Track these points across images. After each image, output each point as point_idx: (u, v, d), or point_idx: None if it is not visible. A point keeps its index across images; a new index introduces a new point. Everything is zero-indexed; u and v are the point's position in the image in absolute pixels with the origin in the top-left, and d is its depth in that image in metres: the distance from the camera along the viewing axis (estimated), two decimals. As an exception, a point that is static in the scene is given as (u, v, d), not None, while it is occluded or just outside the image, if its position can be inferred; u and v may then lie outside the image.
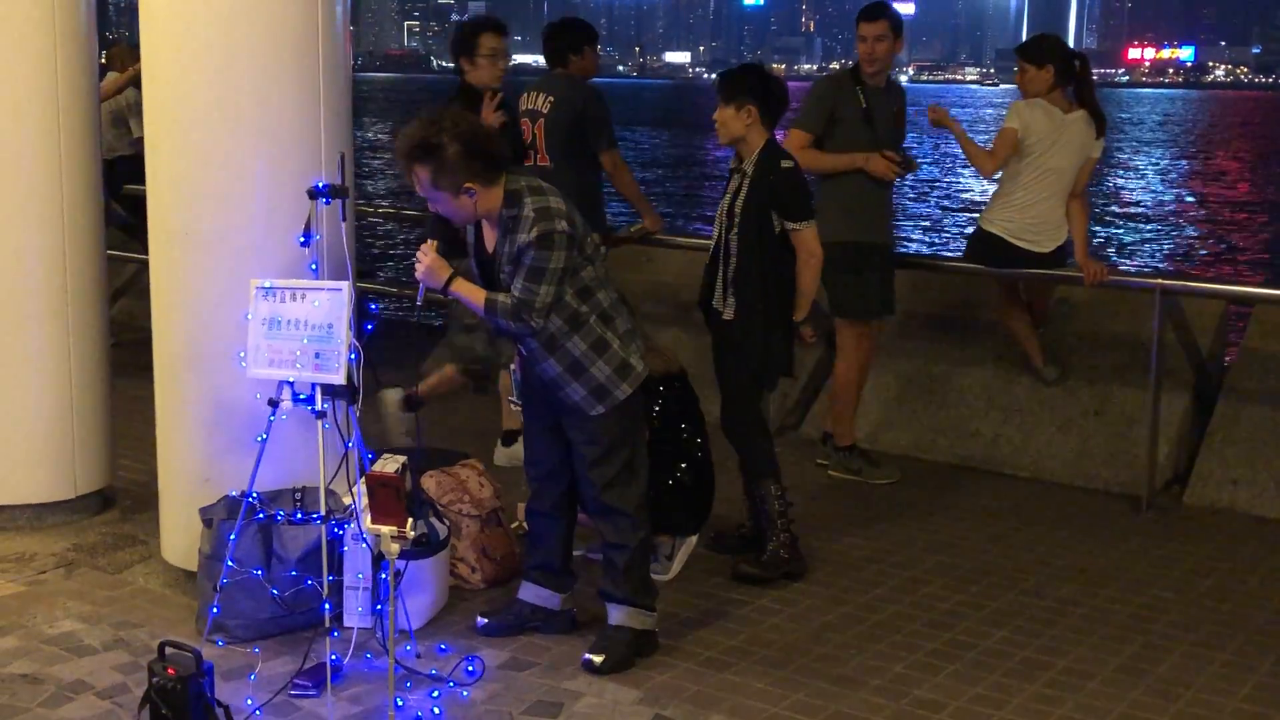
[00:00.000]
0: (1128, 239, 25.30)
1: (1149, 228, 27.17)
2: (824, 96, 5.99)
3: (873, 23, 6.00)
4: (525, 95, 6.29)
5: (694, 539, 4.97)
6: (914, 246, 21.65)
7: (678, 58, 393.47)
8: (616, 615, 4.18)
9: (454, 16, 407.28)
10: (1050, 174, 5.90)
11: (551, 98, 6.18)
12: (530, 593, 4.34)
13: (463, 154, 3.87)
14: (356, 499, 4.06)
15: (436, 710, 3.78)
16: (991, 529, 5.49)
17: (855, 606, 4.64)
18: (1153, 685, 4.08)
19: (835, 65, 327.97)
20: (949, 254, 6.76)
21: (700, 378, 5.09)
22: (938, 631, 4.44)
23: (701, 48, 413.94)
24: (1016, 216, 5.97)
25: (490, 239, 4.07)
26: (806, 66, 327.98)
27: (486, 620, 4.32)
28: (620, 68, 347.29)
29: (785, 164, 4.80)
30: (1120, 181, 36.87)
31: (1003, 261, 6.05)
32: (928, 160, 38.58)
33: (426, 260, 3.97)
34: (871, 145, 5.82)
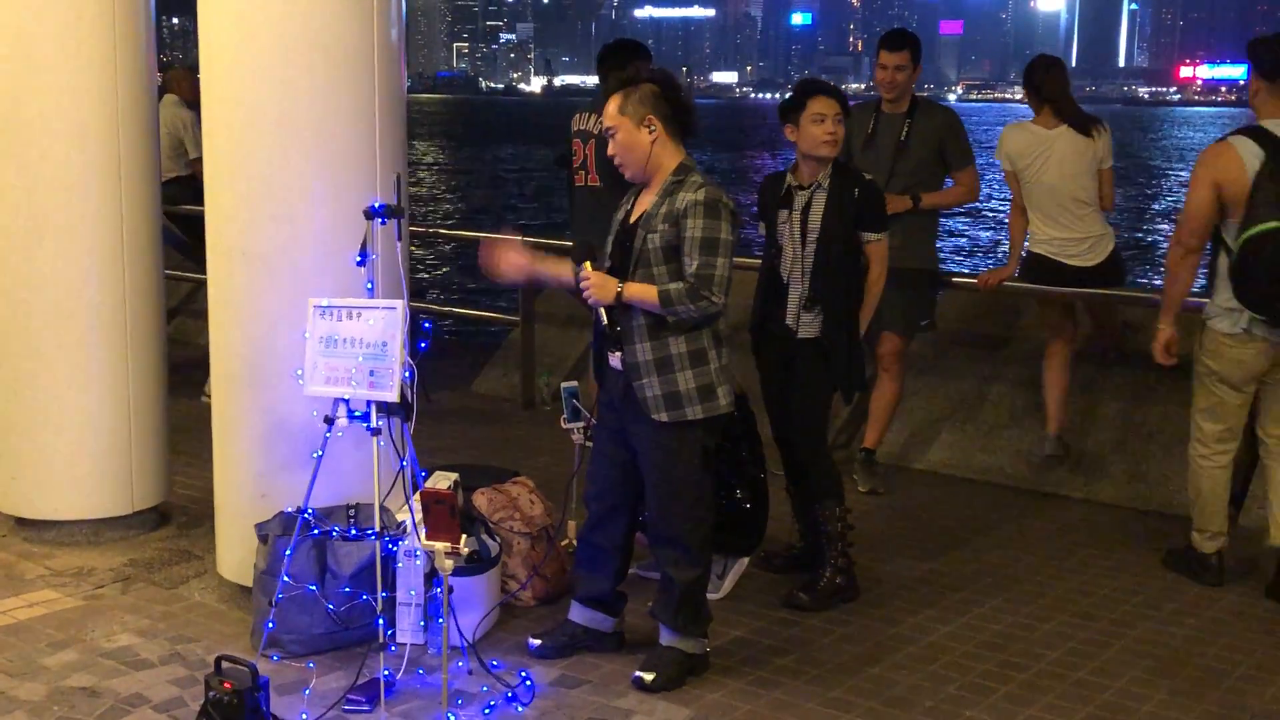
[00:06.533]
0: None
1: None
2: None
3: (895, 52, 6.07)
4: (577, 116, 6.32)
5: (746, 559, 4.97)
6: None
7: (725, 78, 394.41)
8: (667, 636, 4.18)
9: (503, 37, 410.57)
10: (1048, 190, 5.92)
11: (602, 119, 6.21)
12: (581, 614, 4.35)
13: (655, 92, 4.02)
14: (410, 515, 4.09)
15: (488, 727, 3.80)
16: (1044, 551, 5.45)
17: (907, 627, 4.62)
18: (1209, 709, 4.04)
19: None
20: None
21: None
22: (990, 653, 4.42)
23: (749, 68, 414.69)
24: (1052, 235, 5.98)
25: (639, 208, 4.09)
26: (855, 86, 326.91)
27: (539, 643, 4.32)
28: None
29: (868, 175, 4.83)
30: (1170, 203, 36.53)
31: (1052, 280, 6.03)
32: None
33: (593, 280, 4.01)
34: (869, 168, 5.75)
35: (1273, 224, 4.70)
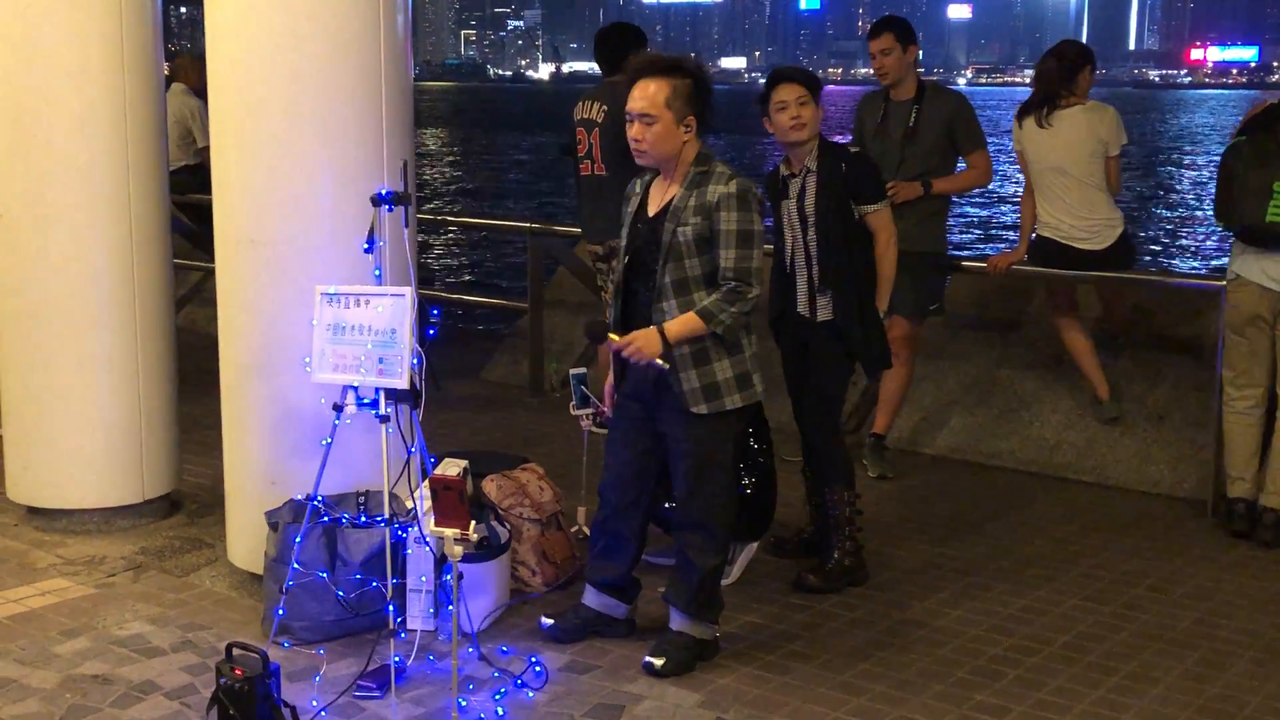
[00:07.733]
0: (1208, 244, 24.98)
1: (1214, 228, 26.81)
2: (858, 111, 6.27)
3: (877, 38, 6.13)
4: (580, 104, 6.32)
5: (755, 545, 4.97)
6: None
7: (733, 63, 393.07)
8: (679, 621, 4.19)
9: (510, 24, 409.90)
10: (1054, 173, 5.96)
11: (605, 107, 6.20)
12: (595, 599, 4.34)
13: (698, 89, 3.99)
14: (419, 502, 4.10)
15: (500, 711, 3.81)
16: (1054, 534, 5.45)
17: (917, 612, 4.63)
18: (1219, 692, 4.04)
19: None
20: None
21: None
22: (1000, 637, 4.42)
23: (757, 53, 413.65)
24: (1060, 219, 5.97)
25: (658, 199, 4.06)
26: (864, 71, 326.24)
27: (552, 622, 4.33)
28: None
29: (854, 149, 4.84)
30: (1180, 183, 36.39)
31: (1060, 263, 6.03)
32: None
33: (633, 342, 3.92)
34: (880, 156, 5.78)
35: (1237, 139, 5.21)
